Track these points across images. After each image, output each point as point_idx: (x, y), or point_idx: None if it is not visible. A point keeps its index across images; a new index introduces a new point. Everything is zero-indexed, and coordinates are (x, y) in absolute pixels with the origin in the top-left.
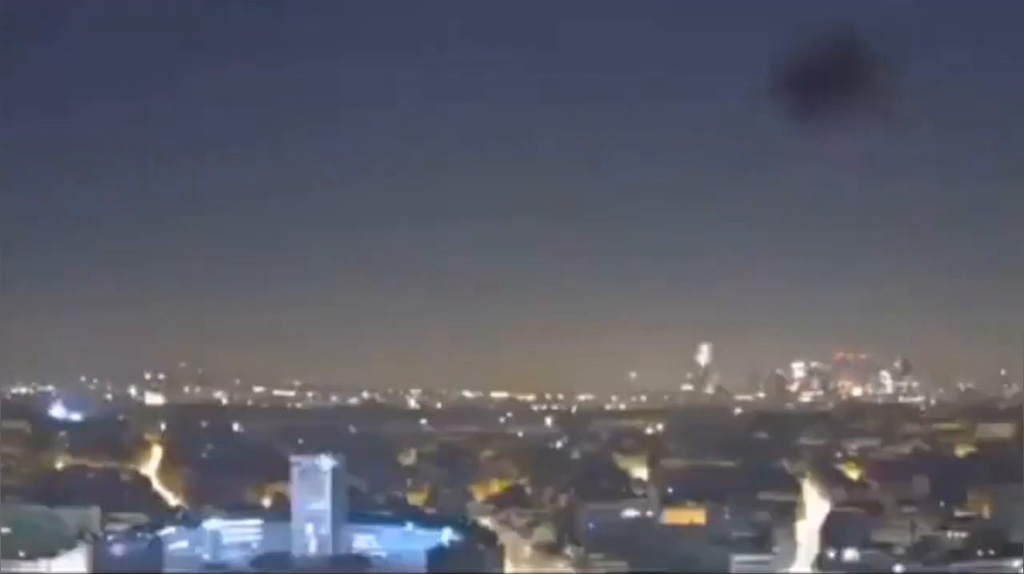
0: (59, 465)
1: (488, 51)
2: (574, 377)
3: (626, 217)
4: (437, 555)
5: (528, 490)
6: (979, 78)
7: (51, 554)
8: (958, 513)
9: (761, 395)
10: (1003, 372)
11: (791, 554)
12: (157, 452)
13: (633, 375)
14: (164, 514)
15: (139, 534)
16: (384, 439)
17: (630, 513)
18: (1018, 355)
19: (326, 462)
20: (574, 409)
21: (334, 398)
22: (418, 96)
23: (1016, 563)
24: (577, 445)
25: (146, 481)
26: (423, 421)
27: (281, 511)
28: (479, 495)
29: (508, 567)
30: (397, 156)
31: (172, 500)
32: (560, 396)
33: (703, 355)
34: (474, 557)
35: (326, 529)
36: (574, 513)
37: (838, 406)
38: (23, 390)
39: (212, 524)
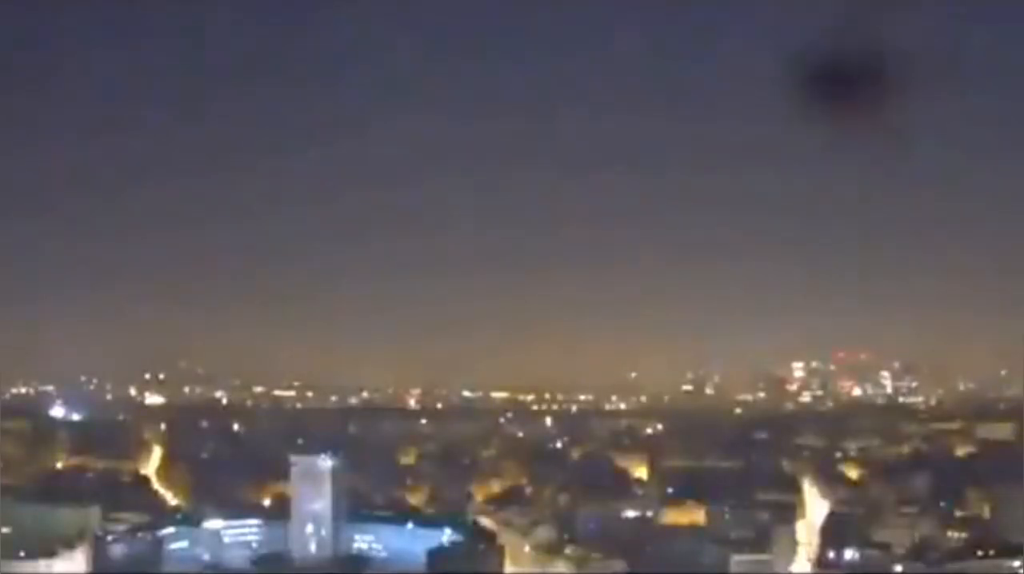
0: (59, 465)
1: None
2: (574, 377)
3: (625, 218)
4: (437, 555)
5: (528, 490)
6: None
7: (51, 554)
8: (958, 513)
9: (761, 395)
10: (1003, 372)
11: (791, 554)
12: (157, 452)
13: (633, 375)
14: (164, 514)
15: (139, 534)
16: (384, 439)
17: (630, 513)
18: (1018, 355)
19: (326, 462)
20: (574, 409)
21: (334, 398)
22: None
23: (1016, 563)
24: (577, 445)
25: (146, 481)
26: (423, 421)
27: (281, 511)
28: (479, 495)
29: (508, 567)
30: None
31: (172, 500)
32: (560, 396)
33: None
34: (474, 557)
35: (326, 529)
36: (574, 513)
37: (838, 406)
38: (23, 390)
39: (212, 524)
